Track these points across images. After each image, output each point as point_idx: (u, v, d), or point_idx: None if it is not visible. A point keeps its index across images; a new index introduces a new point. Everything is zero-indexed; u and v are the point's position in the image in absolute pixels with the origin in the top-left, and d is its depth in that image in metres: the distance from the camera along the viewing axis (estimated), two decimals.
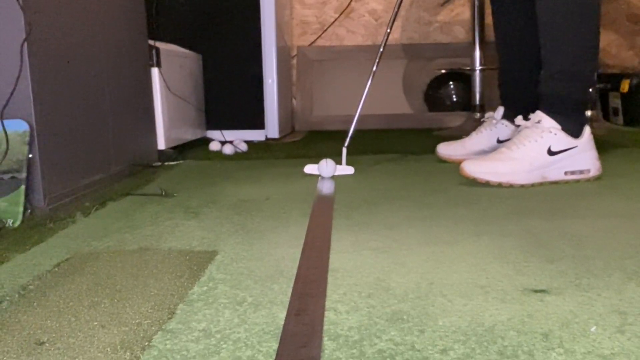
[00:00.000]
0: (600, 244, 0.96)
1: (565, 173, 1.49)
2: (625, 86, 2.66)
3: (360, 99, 1.87)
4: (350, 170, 1.72)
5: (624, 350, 0.60)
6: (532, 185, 1.47)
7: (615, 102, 2.75)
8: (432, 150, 1.94)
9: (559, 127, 1.48)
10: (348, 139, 1.80)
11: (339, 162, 1.72)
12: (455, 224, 1.12)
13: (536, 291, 0.77)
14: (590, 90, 1.58)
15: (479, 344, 0.62)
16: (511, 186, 1.45)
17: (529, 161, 1.46)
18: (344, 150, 1.77)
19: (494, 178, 1.46)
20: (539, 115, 1.50)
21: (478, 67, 2.72)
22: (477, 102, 2.74)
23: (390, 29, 1.92)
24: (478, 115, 2.69)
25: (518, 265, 0.87)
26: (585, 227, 1.07)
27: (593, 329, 0.65)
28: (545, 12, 1.51)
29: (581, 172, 1.50)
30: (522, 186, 1.45)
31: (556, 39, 1.51)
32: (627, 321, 0.67)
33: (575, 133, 1.50)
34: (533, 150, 1.47)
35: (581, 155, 1.50)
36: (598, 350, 0.60)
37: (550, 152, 1.47)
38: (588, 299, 0.73)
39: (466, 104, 2.96)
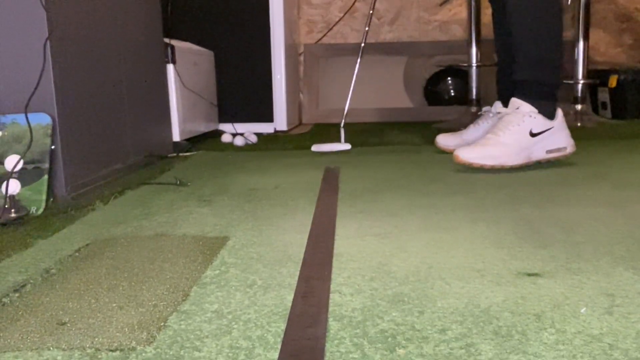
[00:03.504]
0: (589, 230, 0.95)
1: (547, 152, 1.55)
2: (613, 81, 2.64)
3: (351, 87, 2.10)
4: (347, 146, 1.92)
5: (612, 330, 0.59)
6: (520, 165, 1.50)
7: (604, 96, 2.73)
8: (432, 142, 1.92)
9: (536, 110, 1.53)
10: (343, 119, 2.05)
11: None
12: (453, 211, 1.12)
13: (529, 275, 0.76)
14: (559, 76, 1.66)
15: (475, 324, 0.62)
16: (502, 167, 1.49)
17: (516, 144, 1.51)
18: (342, 130, 1.99)
19: (487, 161, 1.48)
20: (516, 102, 1.55)
21: (475, 63, 2.71)
22: (474, 97, 2.73)
23: (368, 26, 2.14)
24: (474, 109, 2.67)
25: (512, 250, 0.87)
26: (576, 215, 1.06)
27: (583, 310, 0.64)
28: (514, 11, 1.56)
29: (559, 149, 1.56)
30: (512, 167, 1.49)
31: (526, 32, 1.56)
32: (615, 303, 0.66)
33: (550, 115, 1.55)
34: (518, 133, 1.52)
35: (557, 135, 1.55)
36: (588, 330, 0.60)
37: (532, 134, 1.53)
38: (578, 282, 0.73)
39: (463, 99, 2.95)
